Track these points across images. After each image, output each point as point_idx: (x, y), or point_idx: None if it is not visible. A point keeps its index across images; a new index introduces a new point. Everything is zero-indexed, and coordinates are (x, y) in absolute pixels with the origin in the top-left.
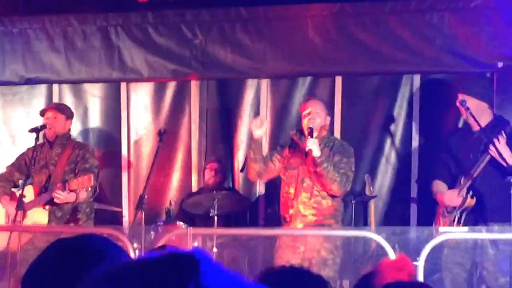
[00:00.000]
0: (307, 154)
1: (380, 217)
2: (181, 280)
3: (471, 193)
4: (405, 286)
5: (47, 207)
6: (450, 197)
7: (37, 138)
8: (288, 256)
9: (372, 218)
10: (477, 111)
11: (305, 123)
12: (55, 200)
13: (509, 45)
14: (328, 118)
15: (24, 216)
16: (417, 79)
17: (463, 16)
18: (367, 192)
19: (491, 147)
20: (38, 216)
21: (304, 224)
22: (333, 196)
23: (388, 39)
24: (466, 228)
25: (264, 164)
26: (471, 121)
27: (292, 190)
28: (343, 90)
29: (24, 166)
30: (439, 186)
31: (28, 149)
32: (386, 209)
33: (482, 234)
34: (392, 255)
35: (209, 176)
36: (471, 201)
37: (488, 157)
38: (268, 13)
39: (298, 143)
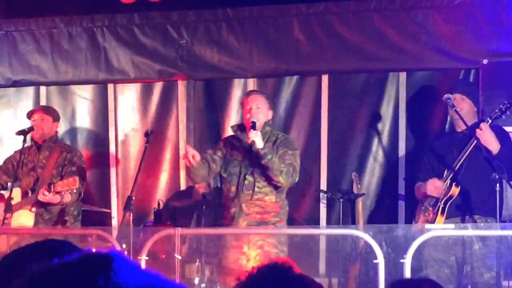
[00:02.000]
0: (250, 147)
1: (368, 215)
2: (92, 276)
3: (455, 183)
4: (412, 283)
5: (33, 209)
6: (433, 184)
7: (24, 141)
8: (234, 256)
9: (360, 216)
10: (467, 115)
11: (247, 118)
12: (40, 199)
13: (493, 42)
14: (271, 113)
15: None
16: (403, 76)
17: (447, 14)
18: (355, 190)
19: (478, 131)
20: (23, 219)
21: (247, 223)
22: (276, 189)
23: (373, 37)
24: (452, 225)
25: (206, 170)
26: (456, 119)
27: (233, 188)
28: (330, 88)
29: (12, 169)
30: (420, 185)
31: (16, 152)
32: (374, 207)
33: (469, 231)
34: (379, 253)
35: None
36: (455, 190)
37: (472, 146)
38: (253, 12)
39: (239, 138)
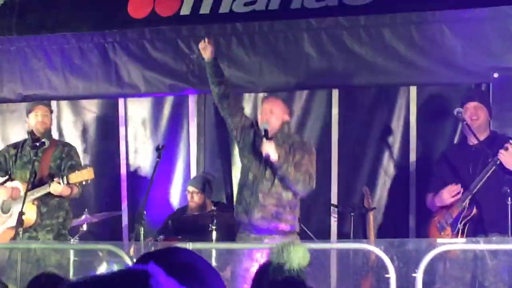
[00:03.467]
0: (265, 157)
1: (379, 229)
2: None
3: (475, 204)
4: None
5: (35, 202)
6: (446, 193)
7: (36, 155)
8: (246, 264)
9: (371, 230)
10: (483, 125)
11: (260, 121)
12: (51, 191)
13: (504, 56)
14: (286, 117)
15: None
16: (413, 90)
17: (458, 28)
18: (366, 204)
19: (502, 151)
20: (28, 212)
21: (262, 215)
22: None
23: (383, 51)
24: (464, 239)
25: (233, 99)
26: (468, 133)
27: (250, 176)
28: (340, 102)
29: (4, 162)
30: (434, 199)
31: (8, 146)
32: (385, 221)
33: (480, 245)
34: (390, 267)
35: (189, 198)
36: (475, 211)
37: (493, 168)
38: (263, 27)
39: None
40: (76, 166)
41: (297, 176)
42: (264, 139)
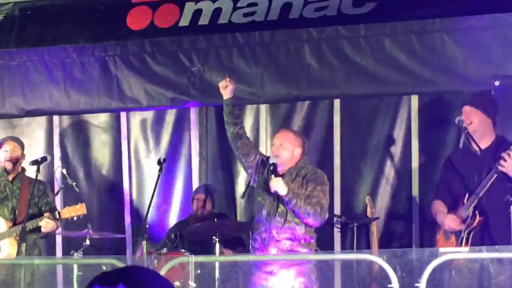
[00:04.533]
0: (274, 193)
1: (382, 239)
2: None
3: (478, 212)
4: None
5: (16, 238)
6: (451, 221)
7: (37, 171)
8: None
9: (374, 240)
10: (481, 129)
11: (270, 156)
12: (43, 227)
13: (505, 64)
14: (298, 150)
15: None
16: (415, 99)
17: (458, 37)
18: (369, 214)
19: (502, 162)
20: (11, 248)
21: (278, 250)
22: (307, 225)
23: (384, 61)
24: (467, 249)
25: (246, 138)
26: (470, 141)
27: (264, 213)
28: (342, 112)
29: None
30: (439, 207)
31: None
32: (388, 230)
33: (484, 254)
34: (393, 277)
35: (196, 207)
36: (479, 219)
37: (494, 176)
38: (264, 38)
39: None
40: (52, 204)
41: (307, 209)
42: (272, 176)
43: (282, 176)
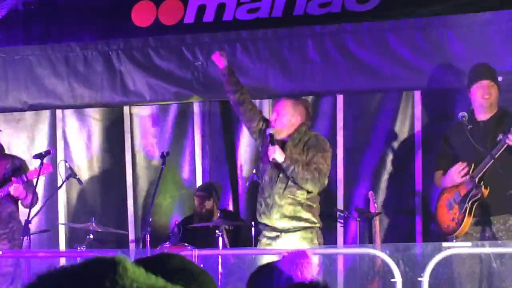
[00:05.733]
0: (272, 162)
1: (385, 233)
2: (99, 280)
3: (484, 183)
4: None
5: None
6: (454, 172)
7: (41, 164)
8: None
9: (377, 235)
10: (494, 102)
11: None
12: (12, 191)
13: (508, 60)
14: (298, 117)
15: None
16: (418, 95)
17: (461, 32)
18: (372, 208)
19: (508, 140)
20: None
21: (280, 214)
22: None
23: (387, 56)
24: (469, 243)
25: (248, 103)
26: (478, 110)
27: (267, 178)
28: (345, 107)
29: None
30: (440, 175)
31: None
32: (391, 225)
33: (486, 249)
34: (396, 271)
35: (197, 203)
36: (485, 191)
37: (503, 149)
38: (267, 34)
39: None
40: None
41: (305, 174)
42: (270, 146)
43: (284, 143)
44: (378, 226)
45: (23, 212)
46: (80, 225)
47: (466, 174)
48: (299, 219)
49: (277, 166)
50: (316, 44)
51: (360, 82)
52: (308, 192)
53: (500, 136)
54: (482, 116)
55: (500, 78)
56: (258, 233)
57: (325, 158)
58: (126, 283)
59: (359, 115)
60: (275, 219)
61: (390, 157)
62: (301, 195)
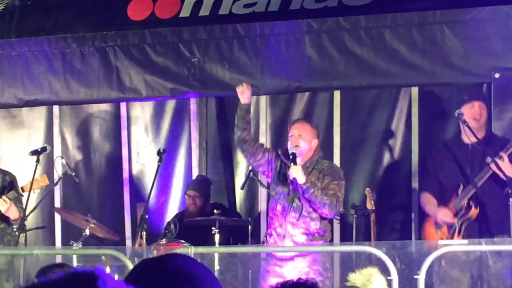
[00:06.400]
0: (293, 181)
1: (381, 231)
2: None
3: (472, 203)
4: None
5: None
6: (444, 214)
7: (37, 161)
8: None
9: (374, 232)
10: (484, 123)
11: (289, 147)
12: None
13: (505, 56)
14: (315, 142)
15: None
16: (414, 91)
17: (459, 29)
18: (368, 206)
19: (493, 164)
20: None
21: (294, 243)
22: (322, 218)
23: (384, 53)
24: (466, 241)
25: (249, 140)
26: (467, 133)
27: (279, 208)
28: (342, 104)
29: None
30: (428, 199)
31: None
32: (387, 222)
33: (483, 247)
34: (392, 269)
35: (189, 202)
36: (475, 211)
37: (490, 172)
38: (264, 30)
39: (286, 163)
40: (18, 195)
41: (324, 199)
42: (292, 164)
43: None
44: (374, 223)
45: None
46: (77, 216)
47: (454, 216)
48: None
49: (292, 192)
50: (313, 40)
51: (357, 78)
52: (322, 220)
53: (488, 160)
54: (471, 138)
55: (496, 75)
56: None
57: (340, 187)
58: None
59: (356, 111)
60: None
61: (386, 153)
62: (314, 225)
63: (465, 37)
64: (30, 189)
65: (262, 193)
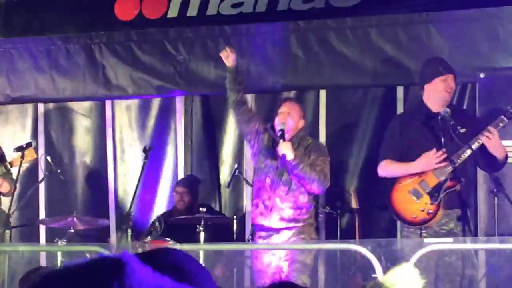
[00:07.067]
0: (282, 157)
1: (366, 229)
2: (106, 280)
3: (458, 177)
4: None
5: None
6: (430, 157)
7: (22, 157)
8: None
9: (358, 230)
10: (451, 94)
11: (277, 123)
12: None
13: (490, 56)
14: (302, 122)
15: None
16: (400, 91)
17: (444, 29)
18: (353, 204)
19: (485, 138)
20: None
21: (280, 217)
22: (309, 194)
23: (370, 52)
24: (451, 239)
25: (244, 99)
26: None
27: (268, 181)
28: (327, 103)
29: None
30: (391, 163)
31: None
32: (372, 221)
33: (468, 245)
34: (378, 267)
35: (177, 199)
36: (458, 185)
37: (469, 152)
38: (250, 29)
39: (274, 138)
40: (6, 170)
41: (313, 174)
42: (281, 140)
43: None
44: (359, 222)
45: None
46: (59, 224)
47: (444, 161)
48: (297, 221)
49: (281, 166)
50: (299, 39)
51: (343, 77)
52: (309, 194)
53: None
54: (440, 109)
55: (482, 75)
56: (252, 232)
57: (325, 163)
58: (134, 283)
59: (342, 110)
60: (273, 221)
61: (372, 153)
62: (302, 199)
63: (451, 37)
64: (21, 164)
65: (248, 191)
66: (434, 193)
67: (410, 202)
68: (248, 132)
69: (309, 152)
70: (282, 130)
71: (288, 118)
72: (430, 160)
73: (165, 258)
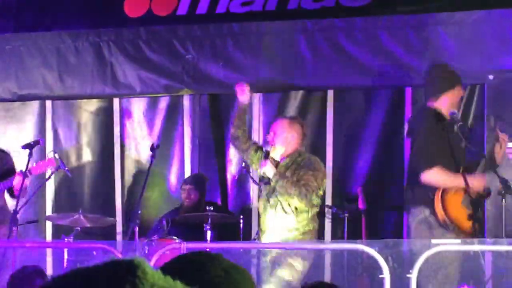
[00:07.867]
0: (262, 175)
1: (373, 229)
2: (119, 283)
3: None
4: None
5: None
6: (480, 181)
7: (30, 154)
8: None
9: (365, 231)
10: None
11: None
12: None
13: (499, 58)
14: (292, 134)
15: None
16: (408, 92)
17: (453, 30)
18: (360, 205)
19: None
20: None
21: (275, 239)
22: (299, 213)
23: (379, 53)
24: (458, 241)
25: (242, 137)
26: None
27: (261, 204)
28: (335, 103)
29: None
30: (443, 171)
31: None
32: (380, 221)
33: (475, 246)
34: (385, 267)
35: (184, 197)
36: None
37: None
38: (259, 28)
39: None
40: (12, 170)
41: (292, 190)
42: (265, 160)
43: (277, 163)
44: (366, 222)
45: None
46: (66, 221)
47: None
48: (298, 229)
49: (269, 189)
50: (308, 39)
51: (351, 78)
52: (297, 216)
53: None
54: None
55: (490, 77)
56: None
57: (315, 176)
58: (146, 286)
59: (349, 111)
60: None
61: (379, 153)
62: (292, 221)
63: (459, 39)
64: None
65: (254, 189)
66: (476, 203)
67: (464, 213)
68: (250, 161)
69: (300, 169)
70: (267, 152)
71: (274, 138)
72: (486, 182)
73: (178, 263)
